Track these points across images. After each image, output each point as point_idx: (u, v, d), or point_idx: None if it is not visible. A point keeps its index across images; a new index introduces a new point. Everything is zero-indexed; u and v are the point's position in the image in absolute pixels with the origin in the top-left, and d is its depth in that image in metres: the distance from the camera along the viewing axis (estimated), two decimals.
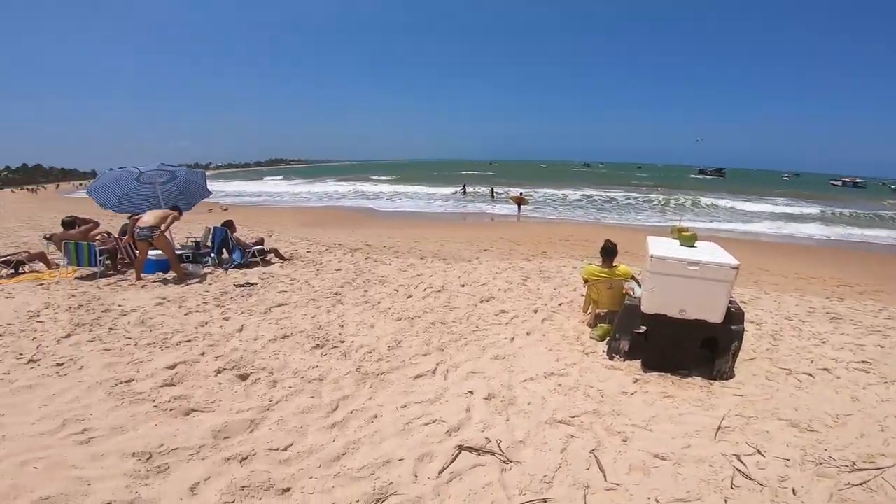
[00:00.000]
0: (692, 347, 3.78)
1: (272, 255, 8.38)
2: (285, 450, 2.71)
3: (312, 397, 3.35)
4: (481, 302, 5.88)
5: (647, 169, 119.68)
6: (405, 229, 15.66)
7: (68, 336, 4.49)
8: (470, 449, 2.78)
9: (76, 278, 7.06)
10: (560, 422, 3.11)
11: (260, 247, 8.19)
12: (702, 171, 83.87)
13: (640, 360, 3.99)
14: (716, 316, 3.57)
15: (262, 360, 3.94)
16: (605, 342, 4.42)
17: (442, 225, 17.64)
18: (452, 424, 3.03)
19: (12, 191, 58.00)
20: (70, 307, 5.42)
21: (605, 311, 4.90)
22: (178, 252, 7.61)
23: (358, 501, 2.32)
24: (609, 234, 6.45)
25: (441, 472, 2.57)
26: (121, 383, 3.47)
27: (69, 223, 7.51)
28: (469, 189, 36.27)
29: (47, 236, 7.92)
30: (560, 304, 5.84)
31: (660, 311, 3.70)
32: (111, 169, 8.48)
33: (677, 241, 3.89)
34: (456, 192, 34.85)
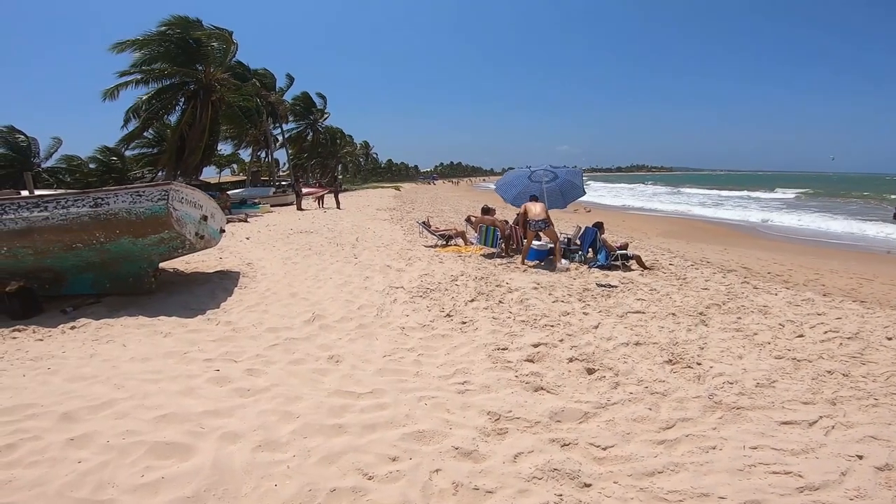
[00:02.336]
0: None
1: (634, 261, 8.42)
2: (604, 449, 2.76)
3: (650, 409, 3.24)
4: None
5: None
6: (800, 256, 12.56)
7: (472, 300, 5.92)
8: None
9: (481, 255, 9.18)
10: None
11: (624, 251, 8.38)
12: None
13: None
14: None
15: (610, 360, 4.09)
16: None
17: (861, 258, 13.20)
18: (810, 482, 2.39)
19: (443, 181, 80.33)
20: (476, 277, 7.12)
21: None
22: (552, 246, 8.73)
23: None
24: None
25: None
26: (498, 349, 4.30)
27: (486, 210, 9.84)
28: None
29: (468, 218, 10.64)
30: None
31: None
32: (511, 169, 10.64)
33: None
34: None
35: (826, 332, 5.04)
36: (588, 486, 2.45)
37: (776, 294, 6.90)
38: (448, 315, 5.32)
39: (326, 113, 46.21)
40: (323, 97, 45.66)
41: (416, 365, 3.97)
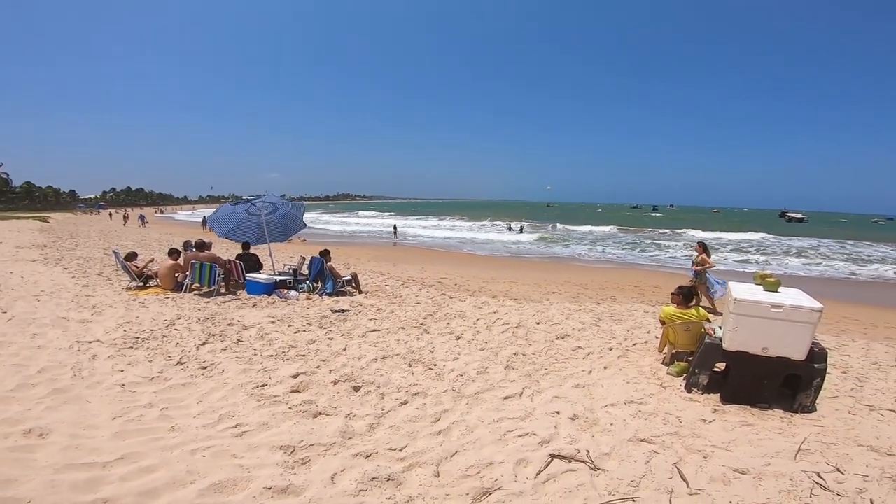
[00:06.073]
0: (773, 383, 3.98)
1: (353, 283, 9.14)
2: (401, 450, 3.14)
3: (417, 409, 3.81)
4: (557, 339, 6.19)
5: (727, 213, 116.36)
6: (471, 269, 16.19)
7: (205, 343, 5.31)
8: (561, 457, 3.11)
9: (197, 294, 8.15)
10: (642, 440, 3.39)
11: (348, 278, 9.01)
12: (781, 215, 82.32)
13: (717, 395, 4.21)
14: (799, 354, 3.79)
15: (368, 375, 4.49)
16: (682, 378, 4.64)
17: (507, 265, 18.04)
18: (543, 437, 3.38)
19: (110, 214, 63.30)
20: (199, 319, 6.35)
21: (682, 350, 5.09)
22: (280, 278, 8.57)
23: (468, 494, 2.69)
24: (678, 280, 6.62)
25: (537, 474, 2.92)
26: (258, 387, 4.11)
27: (200, 245, 8.73)
28: (524, 227, 40.54)
29: (185, 248, 9.18)
30: (634, 344, 6.04)
31: (741, 348, 3.95)
32: (228, 203, 9.82)
33: (761, 287, 4.13)
34: (512, 229, 38.68)
35: (503, 325, 6.83)
36: (405, 484, 2.74)
37: (465, 301, 8.81)
38: (180, 363, 4.65)
39: None
40: None
41: (165, 420, 3.40)
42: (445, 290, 10.28)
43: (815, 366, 3.85)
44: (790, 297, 3.90)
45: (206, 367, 4.56)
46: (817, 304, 3.69)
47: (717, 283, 9.00)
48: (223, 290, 8.39)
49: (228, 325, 6.14)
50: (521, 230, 39.27)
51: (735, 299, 3.85)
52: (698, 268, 9.05)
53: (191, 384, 4.15)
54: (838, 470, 2.99)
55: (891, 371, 5.31)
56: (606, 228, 46.22)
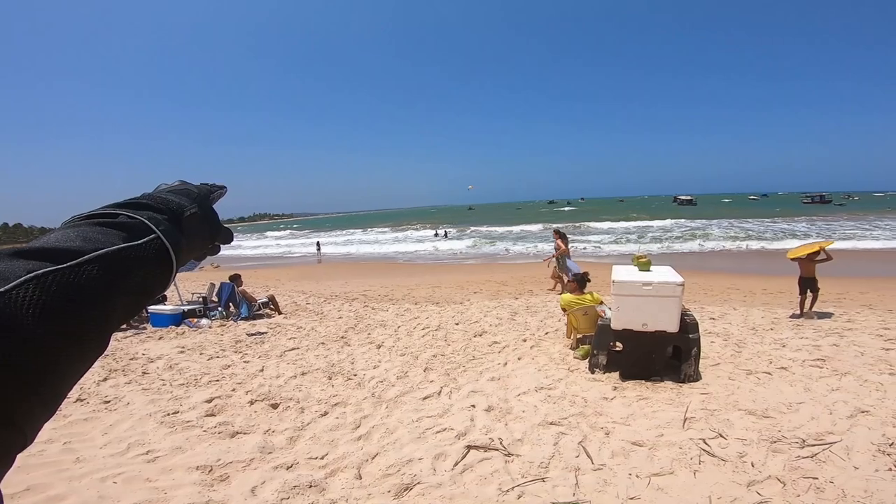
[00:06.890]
0: (660, 356, 4.46)
1: (271, 304, 8.91)
2: (322, 458, 3.21)
3: (338, 418, 3.88)
4: (475, 336, 6.50)
5: (630, 201, 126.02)
6: (396, 278, 16.28)
7: (105, 380, 4.99)
8: (476, 447, 3.33)
9: None
10: (551, 423, 3.69)
11: (264, 300, 8.76)
12: (674, 200, 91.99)
13: (617, 372, 4.64)
14: (671, 326, 4.30)
15: (287, 392, 4.47)
16: (586, 360, 5.08)
17: (431, 271, 18.34)
18: (460, 430, 3.59)
19: None
20: None
21: (585, 334, 5.57)
22: (189, 307, 8.14)
23: (389, 491, 2.83)
24: (588, 269, 7.24)
25: (455, 465, 3.11)
26: (168, 415, 3.97)
27: None
28: (448, 232, 41.42)
29: None
30: (546, 333, 6.50)
31: (626, 326, 4.42)
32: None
33: (636, 267, 4.68)
34: (437, 235, 39.07)
35: (423, 329, 7.03)
36: (327, 489, 2.82)
37: (387, 310, 8.91)
38: (80, 399, 4.38)
39: None
40: None
41: (69, 452, 3.27)
42: (368, 302, 10.31)
43: (690, 336, 4.37)
44: (658, 274, 4.47)
45: (108, 402, 4.33)
46: (679, 279, 4.28)
47: (573, 267, 9.79)
48: (124, 326, 7.80)
49: (132, 359, 5.77)
50: (445, 235, 39.97)
51: (613, 281, 4.35)
52: (557, 254, 9.88)
53: (94, 418, 3.95)
54: (721, 435, 3.32)
55: (766, 335, 5.96)
56: (527, 227, 48.19)
